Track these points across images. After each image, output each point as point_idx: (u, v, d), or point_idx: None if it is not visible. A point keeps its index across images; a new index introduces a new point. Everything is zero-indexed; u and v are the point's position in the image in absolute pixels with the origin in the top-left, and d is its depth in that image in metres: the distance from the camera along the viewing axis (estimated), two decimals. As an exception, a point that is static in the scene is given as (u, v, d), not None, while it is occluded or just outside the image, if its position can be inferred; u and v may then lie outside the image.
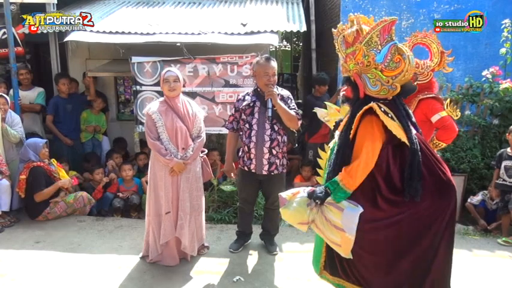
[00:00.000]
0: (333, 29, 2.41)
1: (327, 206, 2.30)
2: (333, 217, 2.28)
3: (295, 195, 2.44)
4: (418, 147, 2.22)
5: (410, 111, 2.39)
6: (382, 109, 2.20)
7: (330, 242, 2.33)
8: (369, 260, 2.33)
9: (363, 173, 2.22)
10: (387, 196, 2.24)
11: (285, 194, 2.48)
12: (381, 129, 2.21)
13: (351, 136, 2.28)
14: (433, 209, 2.23)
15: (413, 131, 2.29)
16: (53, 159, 4.69)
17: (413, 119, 2.38)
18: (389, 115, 2.19)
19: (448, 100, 3.39)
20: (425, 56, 3.34)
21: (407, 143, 2.20)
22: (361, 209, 2.23)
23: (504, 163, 4.53)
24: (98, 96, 5.72)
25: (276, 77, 3.47)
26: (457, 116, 3.29)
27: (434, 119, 3.19)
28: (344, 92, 2.62)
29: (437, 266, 2.28)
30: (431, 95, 3.25)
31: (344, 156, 2.31)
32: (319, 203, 2.32)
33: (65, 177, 4.63)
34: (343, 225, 2.24)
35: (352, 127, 2.27)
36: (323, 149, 4.04)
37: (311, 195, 2.35)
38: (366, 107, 2.22)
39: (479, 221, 4.71)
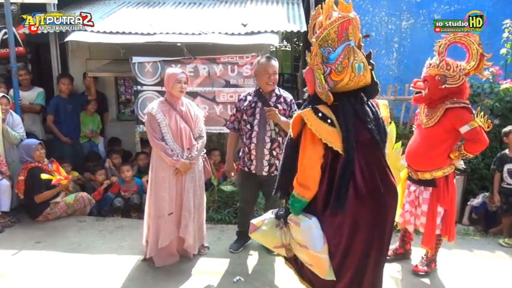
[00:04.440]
0: (312, 11, 2.21)
1: (290, 223, 2.21)
2: (294, 233, 2.18)
3: (264, 220, 2.36)
4: (353, 157, 2.05)
5: (376, 113, 2.20)
6: (320, 114, 2.06)
7: (305, 263, 2.22)
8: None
9: (309, 177, 2.10)
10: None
11: (255, 221, 2.40)
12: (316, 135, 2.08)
13: (292, 135, 2.18)
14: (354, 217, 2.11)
15: (365, 136, 2.11)
16: (54, 164, 4.56)
17: (380, 120, 2.19)
18: (329, 120, 2.05)
19: (478, 109, 3.13)
20: (462, 58, 3.11)
21: (341, 152, 2.04)
22: (313, 221, 2.11)
23: (507, 166, 4.42)
24: (94, 98, 5.72)
25: (277, 76, 3.46)
26: (488, 127, 2.98)
27: (464, 130, 2.93)
28: None
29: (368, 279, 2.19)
30: (460, 105, 2.97)
31: (287, 155, 2.23)
32: (283, 221, 2.23)
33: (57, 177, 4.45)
34: (304, 241, 2.13)
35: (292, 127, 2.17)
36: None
37: (276, 215, 2.30)
38: (298, 113, 2.11)
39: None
